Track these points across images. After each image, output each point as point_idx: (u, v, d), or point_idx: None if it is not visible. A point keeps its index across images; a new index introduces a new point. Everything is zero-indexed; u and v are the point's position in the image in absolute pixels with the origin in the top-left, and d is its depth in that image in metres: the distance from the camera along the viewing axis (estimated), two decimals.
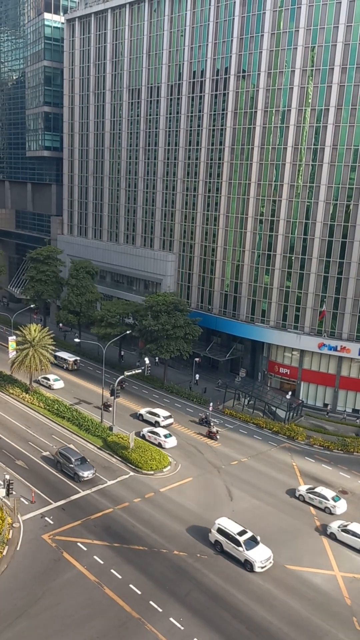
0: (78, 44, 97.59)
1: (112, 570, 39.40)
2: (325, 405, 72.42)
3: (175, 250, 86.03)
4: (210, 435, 62.17)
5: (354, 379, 70.32)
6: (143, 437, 60.26)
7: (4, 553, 40.49)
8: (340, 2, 65.15)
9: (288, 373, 74.59)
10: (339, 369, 70.86)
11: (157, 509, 47.56)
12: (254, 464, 57.07)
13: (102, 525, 44.74)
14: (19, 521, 44.48)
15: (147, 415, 65.59)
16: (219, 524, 43.01)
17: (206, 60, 77.88)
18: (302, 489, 51.06)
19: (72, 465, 51.24)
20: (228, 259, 79.10)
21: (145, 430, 61.19)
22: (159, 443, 58.96)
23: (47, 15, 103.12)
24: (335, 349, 69.51)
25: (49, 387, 73.55)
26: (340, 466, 57.94)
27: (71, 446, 56.15)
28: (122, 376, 65.67)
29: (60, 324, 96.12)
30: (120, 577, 38.83)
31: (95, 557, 40.74)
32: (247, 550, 40.81)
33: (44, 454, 55.71)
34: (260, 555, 40.70)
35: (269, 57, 71.10)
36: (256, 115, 73.05)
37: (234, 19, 73.53)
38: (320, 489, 50.26)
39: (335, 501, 48.96)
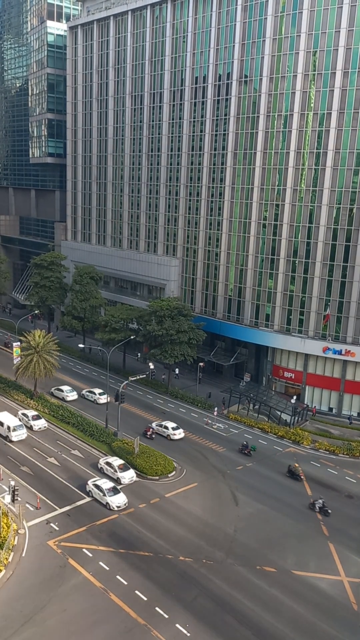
0: (81, 51, 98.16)
1: (117, 577, 39.32)
2: (330, 409, 72.24)
3: (178, 255, 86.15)
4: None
5: (359, 382, 70.11)
6: None
7: (10, 559, 40.47)
8: (342, 7, 65.34)
9: (293, 377, 74.44)
10: (344, 372, 70.70)
11: (163, 514, 47.48)
12: (259, 468, 56.92)
13: (107, 531, 44.67)
14: (24, 527, 44.46)
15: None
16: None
17: (208, 65, 78.15)
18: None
19: None
20: (232, 263, 79.15)
21: None
22: None
23: (50, 23, 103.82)
24: (339, 352, 69.35)
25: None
26: (346, 470, 57.73)
27: None
28: (126, 381, 65.71)
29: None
30: (126, 583, 38.75)
31: (100, 563, 40.67)
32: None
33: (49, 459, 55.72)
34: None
35: (271, 62, 71.30)
36: (258, 120, 73.21)
37: (235, 24, 73.81)
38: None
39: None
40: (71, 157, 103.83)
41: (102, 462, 54.50)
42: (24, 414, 63.60)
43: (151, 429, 62.65)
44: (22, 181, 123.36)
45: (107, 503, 47.77)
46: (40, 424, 62.57)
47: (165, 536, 44.43)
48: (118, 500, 47.88)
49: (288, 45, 69.78)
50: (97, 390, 73.03)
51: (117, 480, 51.85)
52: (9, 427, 58.96)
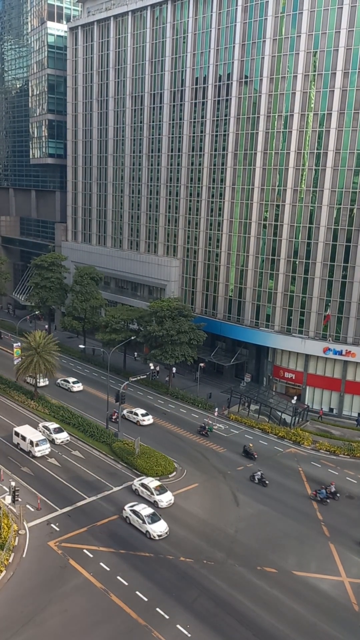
0: (81, 51, 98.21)
1: (118, 577, 39.30)
2: (331, 409, 72.21)
3: (179, 256, 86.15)
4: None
5: None
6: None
7: (10, 560, 40.46)
8: (342, 7, 65.35)
9: (293, 378, 74.42)
10: (344, 373, 70.68)
11: (163, 514, 47.30)
12: (260, 469, 56.80)
13: (108, 532, 44.65)
14: (24, 528, 44.45)
15: None
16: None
17: (208, 66, 78.17)
18: None
19: None
20: (232, 264, 79.14)
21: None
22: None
23: (50, 24, 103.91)
24: (340, 353, 69.33)
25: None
26: (347, 471, 57.70)
27: None
28: (127, 382, 65.76)
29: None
30: (126, 583, 38.73)
31: (101, 563, 40.66)
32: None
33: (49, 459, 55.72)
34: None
35: (271, 63, 71.32)
36: (259, 120, 73.23)
37: (236, 25, 73.84)
38: None
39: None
40: (71, 158, 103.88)
41: (136, 483, 50.47)
42: (45, 427, 60.42)
43: (116, 413, 65.21)
44: (23, 182, 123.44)
45: (146, 532, 43.92)
46: (63, 437, 59.38)
47: (165, 537, 44.37)
48: (159, 529, 43.88)
49: (288, 46, 69.80)
50: (71, 379, 76.20)
51: (154, 504, 48.01)
52: (31, 442, 55.74)
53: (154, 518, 44.76)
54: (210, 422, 66.53)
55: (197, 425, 66.95)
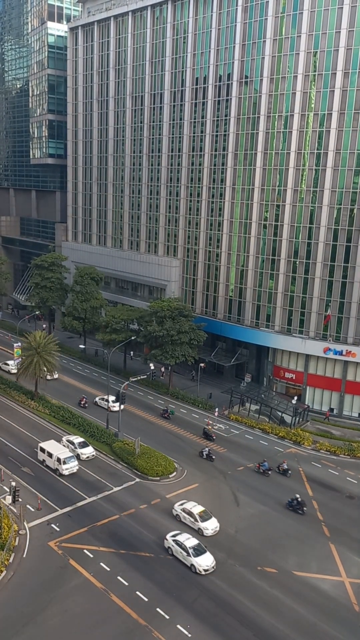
0: (81, 52, 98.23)
1: (118, 577, 39.29)
2: (332, 409, 72.19)
3: (179, 256, 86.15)
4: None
5: None
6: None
7: (11, 560, 40.45)
8: (342, 7, 65.35)
9: (293, 378, 74.42)
10: (345, 373, 70.67)
11: (164, 515, 47.38)
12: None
13: (108, 532, 44.62)
14: (25, 528, 44.44)
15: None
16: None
17: (209, 66, 78.17)
18: None
19: None
20: (232, 264, 79.14)
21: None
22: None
23: (50, 24, 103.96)
24: (340, 353, 69.32)
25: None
26: (347, 471, 57.68)
27: None
28: (127, 382, 65.73)
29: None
30: (126, 584, 38.72)
31: (101, 564, 40.64)
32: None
33: None
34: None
35: (272, 63, 71.32)
36: (259, 120, 73.22)
37: (236, 25, 73.84)
38: None
39: None
40: (72, 158, 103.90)
41: (177, 508, 46.57)
42: (69, 441, 56.94)
43: (84, 399, 70.07)
44: (23, 182, 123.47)
45: (191, 565, 40.07)
46: (88, 452, 56.04)
47: (165, 537, 44.31)
48: (205, 562, 39.88)
49: (288, 46, 69.80)
50: None
51: (197, 532, 44.30)
52: (58, 459, 52.20)
53: (199, 550, 40.78)
54: (172, 406, 68.48)
55: (202, 426, 66.99)
